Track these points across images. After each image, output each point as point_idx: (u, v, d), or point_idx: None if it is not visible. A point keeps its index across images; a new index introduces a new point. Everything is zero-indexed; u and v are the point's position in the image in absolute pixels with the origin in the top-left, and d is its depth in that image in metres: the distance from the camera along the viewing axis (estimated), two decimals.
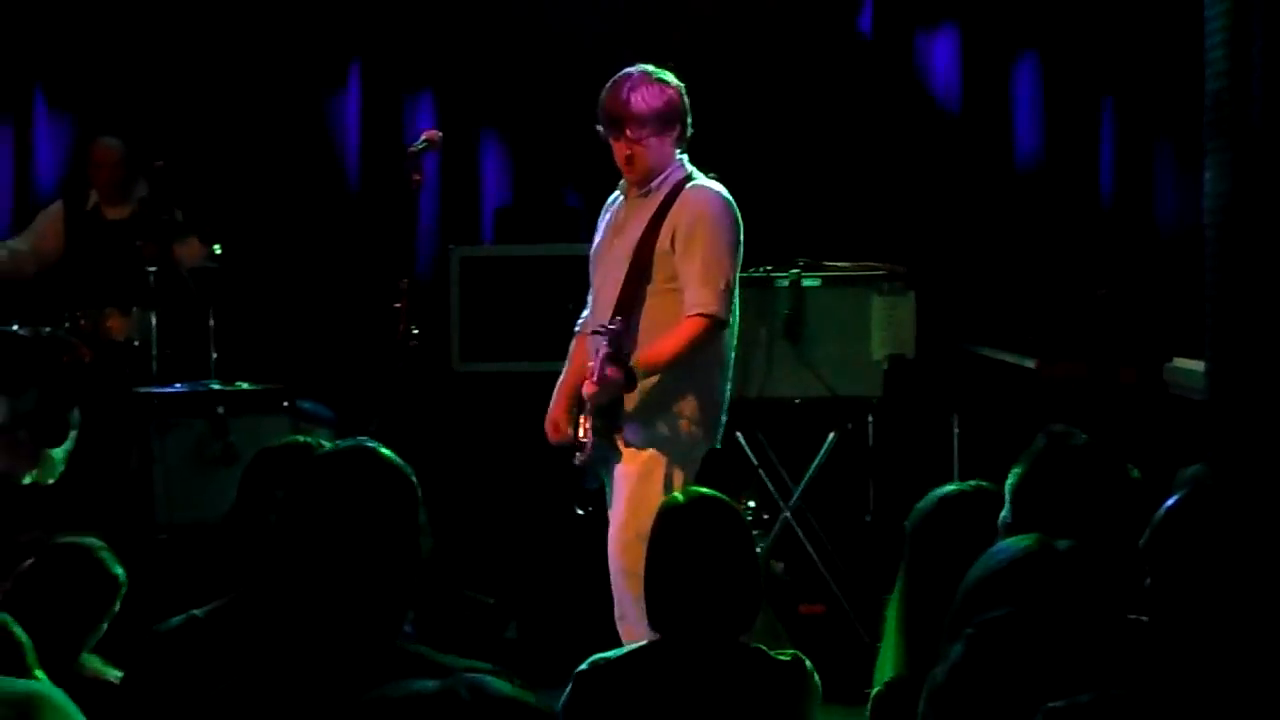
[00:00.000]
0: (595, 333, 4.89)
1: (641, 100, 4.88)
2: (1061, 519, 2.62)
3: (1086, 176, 7.76)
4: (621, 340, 4.80)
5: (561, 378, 5.14)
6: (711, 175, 5.06)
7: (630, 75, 4.95)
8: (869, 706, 2.82)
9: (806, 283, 6.60)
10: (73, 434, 6.60)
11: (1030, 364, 6.85)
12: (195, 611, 2.93)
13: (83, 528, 6.28)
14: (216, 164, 7.86)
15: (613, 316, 4.82)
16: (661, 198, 4.92)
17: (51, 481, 6.65)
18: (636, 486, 4.82)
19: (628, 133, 4.87)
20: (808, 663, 3.24)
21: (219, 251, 7.05)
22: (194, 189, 7.51)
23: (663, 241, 4.87)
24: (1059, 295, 7.38)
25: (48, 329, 6.82)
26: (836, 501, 6.96)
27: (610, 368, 4.76)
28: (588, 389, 4.80)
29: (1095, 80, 7.74)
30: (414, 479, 2.73)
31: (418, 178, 4.62)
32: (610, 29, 7.67)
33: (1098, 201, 7.76)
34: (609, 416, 4.83)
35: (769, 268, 6.61)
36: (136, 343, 7.11)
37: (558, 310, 6.06)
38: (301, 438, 3.03)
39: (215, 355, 6.98)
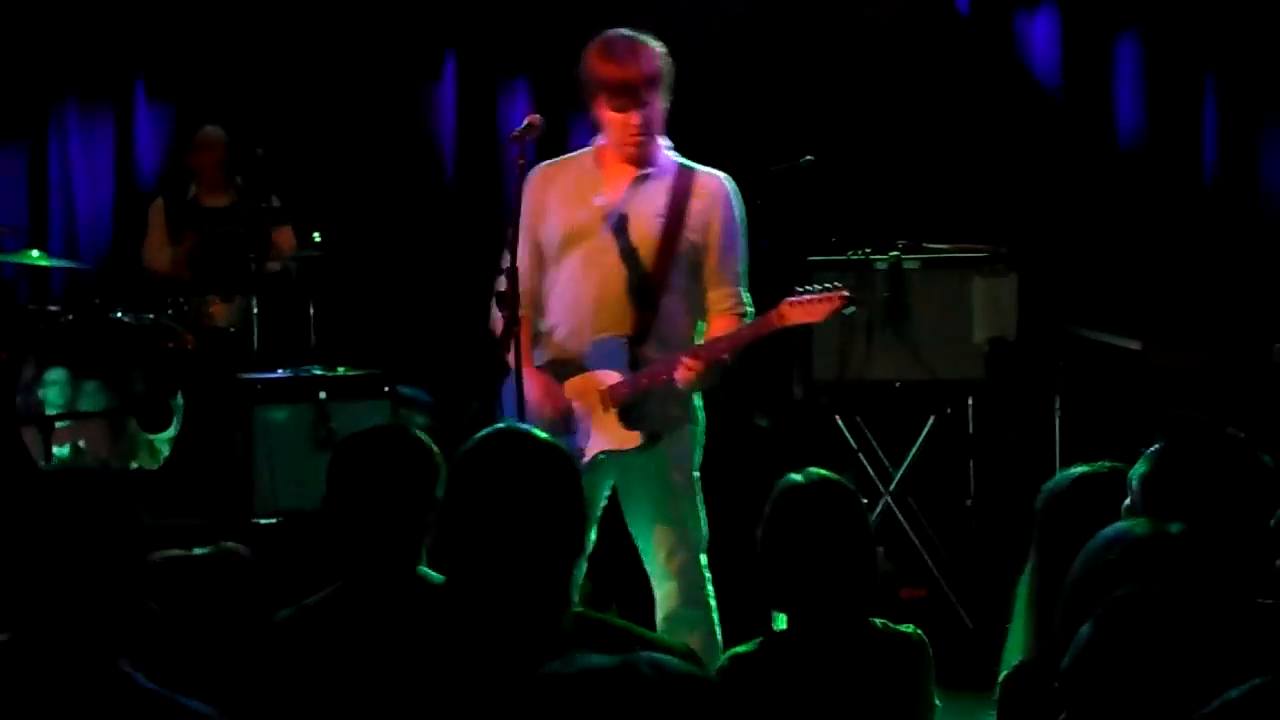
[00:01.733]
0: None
1: (650, 64, 4.43)
2: (1194, 506, 2.56)
3: (1190, 154, 7.63)
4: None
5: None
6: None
7: (628, 39, 4.48)
8: (997, 689, 2.78)
9: (906, 265, 6.52)
10: (176, 420, 6.67)
11: (1134, 346, 6.75)
12: (306, 601, 2.94)
13: (186, 513, 6.40)
14: (315, 154, 7.91)
15: (645, 305, 4.47)
16: (670, 180, 4.52)
17: (155, 467, 6.73)
18: (687, 499, 4.60)
19: (645, 100, 4.41)
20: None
21: (318, 239, 7.09)
22: (292, 178, 7.57)
23: (692, 232, 4.50)
24: (1163, 276, 7.28)
25: (151, 316, 6.89)
26: (937, 485, 6.89)
27: (690, 365, 4.40)
28: (683, 375, 4.37)
29: (1197, 56, 7.61)
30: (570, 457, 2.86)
31: (522, 162, 4.56)
32: (705, 14, 7.63)
33: (1201, 180, 7.64)
34: (640, 410, 4.51)
35: (868, 250, 6.54)
36: (233, 329, 7.17)
37: None
38: (387, 422, 3.04)
39: (315, 341, 7.02)
